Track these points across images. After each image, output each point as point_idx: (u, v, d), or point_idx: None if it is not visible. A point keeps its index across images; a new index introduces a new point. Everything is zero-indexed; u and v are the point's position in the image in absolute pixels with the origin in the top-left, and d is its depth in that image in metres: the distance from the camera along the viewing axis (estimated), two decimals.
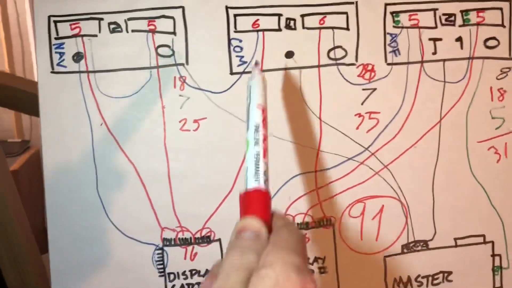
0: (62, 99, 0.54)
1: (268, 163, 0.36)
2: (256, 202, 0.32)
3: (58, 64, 0.54)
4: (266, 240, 0.29)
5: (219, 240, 0.56)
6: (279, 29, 0.56)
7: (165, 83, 0.55)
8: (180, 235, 0.56)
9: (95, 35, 0.54)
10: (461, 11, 0.58)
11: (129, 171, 0.55)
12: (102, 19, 0.54)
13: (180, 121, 0.55)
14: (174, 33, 0.55)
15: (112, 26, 0.54)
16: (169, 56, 0.55)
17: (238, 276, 0.26)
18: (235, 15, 0.55)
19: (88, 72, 0.54)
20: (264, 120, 0.37)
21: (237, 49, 0.55)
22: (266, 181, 0.34)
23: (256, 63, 0.53)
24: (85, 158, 0.54)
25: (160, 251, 0.56)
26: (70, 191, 0.54)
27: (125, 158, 0.55)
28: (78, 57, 0.54)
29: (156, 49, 0.54)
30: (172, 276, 0.56)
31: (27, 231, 0.65)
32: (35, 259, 0.65)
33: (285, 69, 0.56)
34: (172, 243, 0.56)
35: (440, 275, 0.60)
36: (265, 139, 0.36)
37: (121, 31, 0.54)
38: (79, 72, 0.54)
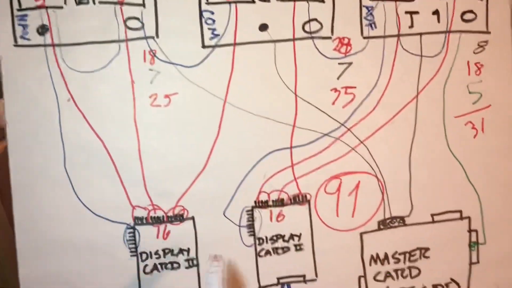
0: (27, 74, 0.52)
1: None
2: None
3: (21, 37, 0.51)
4: None
5: (193, 218, 0.55)
6: (253, 1, 0.54)
7: (134, 57, 0.53)
8: (152, 214, 0.54)
9: (61, 7, 0.52)
10: None
11: (98, 148, 0.53)
12: None
13: (150, 96, 0.53)
14: (143, 5, 0.53)
15: None
16: (139, 29, 0.53)
17: None
18: None
19: (53, 45, 0.52)
20: None
21: (209, 21, 0.54)
22: None
23: (215, 257, 0.50)
24: (52, 135, 0.52)
25: (131, 230, 0.54)
26: (37, 169, 0.52)
27: (94, 134, 0.53)
28: (43, 29, 0.52)
29: (124, 21, 0.52)
30: (144, 256, 0.55)
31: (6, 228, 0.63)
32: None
33: (259, 42, 0.54)
34: (144, 221, 0.54)
35: (417, 252, 0.60)
36: None
37: (87, 3, 0.52)
38: (44, 45, 0.52)
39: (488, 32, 0.59)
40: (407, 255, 0.59)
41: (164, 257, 0.55)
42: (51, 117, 0.52)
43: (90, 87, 0.52)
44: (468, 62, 0.59)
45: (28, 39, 0.52)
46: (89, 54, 0.52)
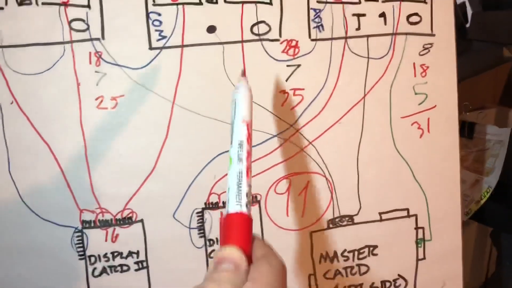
0: None
1: (251, 184, 0.35)
2: (237, 229, 0.31)
3: None
4: (245, 272, 0.29)
5: (142, 221, 0.55)
6: (200, 3, 0.54)
7: (79, 59, 0.52)
8: (100, 217, 0.54)
9: (1, 8, 0.50)
10: None
11: (43, 151, 0.52)
12: None
13: (96, 99, 0.53)
14: (88, 6, 0.52)
15: None
16: (84, 31, 0.52)
17: None
18: None
19: None
20: (249, 136, 0.36)
21: (156, 23, 0.53)
22: (248, 203, 0.32)
23: (242, 73, 0.49)
24: None
25: (79, 234, 0.54)
26: None
27: (39, 137, 0.52)
28: None
29: (69, 23, 0.52)
30: (93, 259, 0.54)
31: None
32: None
33: (207, 44, 0.54)
34: (92, 225, 0.54)
35: (366, 249, 0.61)
36: (248, 156, 0.34)
37: (30, 4, 0.51)
38: None
39: (433, 35, 0.60)
40: (356, 252, 0.61)
41: (113, 260, 0.55)
42: None
43: (34, 90, 0.52)
44: (414, 63, 0.60)
45: None
46: (33, 56, 0.51)
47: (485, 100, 1.18)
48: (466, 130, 0.88)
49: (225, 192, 0.56)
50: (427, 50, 0.60)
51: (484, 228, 1.04)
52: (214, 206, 0.57)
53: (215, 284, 0.27)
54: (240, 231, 0.31)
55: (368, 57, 0.59)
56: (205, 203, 0.56)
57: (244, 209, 0.32)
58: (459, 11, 1.14)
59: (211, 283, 0.28)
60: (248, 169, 0.33)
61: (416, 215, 0.62)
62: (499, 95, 1.23)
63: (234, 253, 0.29)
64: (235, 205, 0.32)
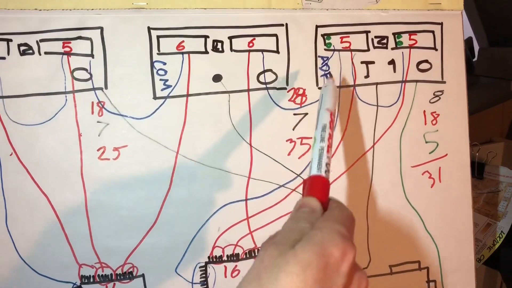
0: None
1: (331, 158, 0.40)
2: (316, 186, 0.37)
3: None
4: (320, 215, 0.34)
5: (143, 275, 0.53)
6: (206, 52, 0.53)
7: (81, 109, 0.51)
8: (99, 272, 0.52)
9: (3, 58, 0.49)
10: (394, 34, 0.57)
11: (42, 203, 0.51)
12: (10, 40, 0.49)
13: (98, 150, 0.51)
14: (91, 55, 0.51)
15: (22, 48, 0.50)
16: (86, 80, 0.51)
17: (292, 235, 0.31)
18: (158, 37, 0.52)
19: None
20: (332, 122, 0.41)
21: (161, 72, 0.52)
22: (327, 171, 0.37)
23: (330, 74, 0.55)
24: None
25: None
26: None
27: (38, 189, 0.50)
28: None
29: (71, 72, 0.51)
30: None
31: None
32: None
33: (213, 93, 0.53)
34: (91, 280, 0.52)
35: None
36: (330, 137, 0.40)
37: (32, 54, 0.50)
38: None
39: (443, 82, 0.59)
40: None
41: None
42: None
43: (35, 141, 0.50)
44: (424, 111, 0.59)
45: None
46: (34, 106, 0.50)
47: (493, 134, 1.17)
48: (476, 170, 0.86)
49: (229, 245, 0.55)
50: (437, 98, 0.59)
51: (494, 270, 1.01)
52: (218, 260, 0.54)
53: (294, 220, 0.33)
54: (319, 188, 0.36)
55: (377, 105, 0.57)
56: (209, 257, 0.54)
57: (323, 174, 0.37)
58: (466, 46, 1.13)
59: (290, 220, 0.34)
60: (329, 147, 0.39)
61: (427, 268, 0.60)
62: (507, 129, 1.22)
63: (312, 200, 0.35)
64: (317, 170, 0.37)
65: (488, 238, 0.77)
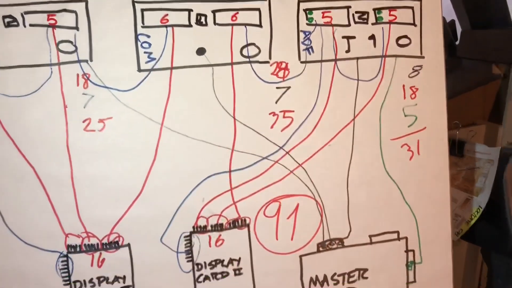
0: None
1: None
2: None
3: None
4: None
5: (129, 245, 0.54)
6: (190, 25, 0.54)
7: (67, 81, 0.51)
8: (86, 241, 0.53)
9: None
10: (374, 9, 0.58)
11: (28, 174, 0.51)
12: None
13: (84, 121, 0.52)
14: (76, 28, 0.51)
15: (7, 20, 0.50)
16: (71, 53, 0.51)
17: None
18: (143, 10, 0.53)
19: None
20: None
21: (145, 45, 0.53)
22: None
23: None
24: None
25: (64, 259, 0.53)
26: None
27: (24, 160, 0.51)
28: None
29: (57, 44, 0.51)
30: (78, 284, 0.53)
31: None
32: None
33: (197, 66, 0.54)
34: (78, 249, 0.53)
35: (356, 273, 0.61)
36: None
37: (17, 25, 0.50)
38: None
39: (422, 57, 0.60)
40: (346, 276, 0.60)
41: (99, 285, 0.54)
42: None
43: (20, 112, 0.51)
44: (403, 86, 0.60)
45: None
46: (19, 77, 0.51)
47: (475, 117, 1.19)
48: (456, 148, 0.88)
49: (213, 215, 0.56)
50: (416, 72, 0.60)
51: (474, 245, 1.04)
52: (203, 229, 0.56)
53: None
54: None
55: (358, 79, 0.59)
56: (193, 227, 0.56)
57: None
58: (449, 29, 1.15)
59: None
60: None
61: (406, 238, 0.62)
62: (489, 112, 1.24)
63: None
64: None
65: (467, 213, 0.80)
